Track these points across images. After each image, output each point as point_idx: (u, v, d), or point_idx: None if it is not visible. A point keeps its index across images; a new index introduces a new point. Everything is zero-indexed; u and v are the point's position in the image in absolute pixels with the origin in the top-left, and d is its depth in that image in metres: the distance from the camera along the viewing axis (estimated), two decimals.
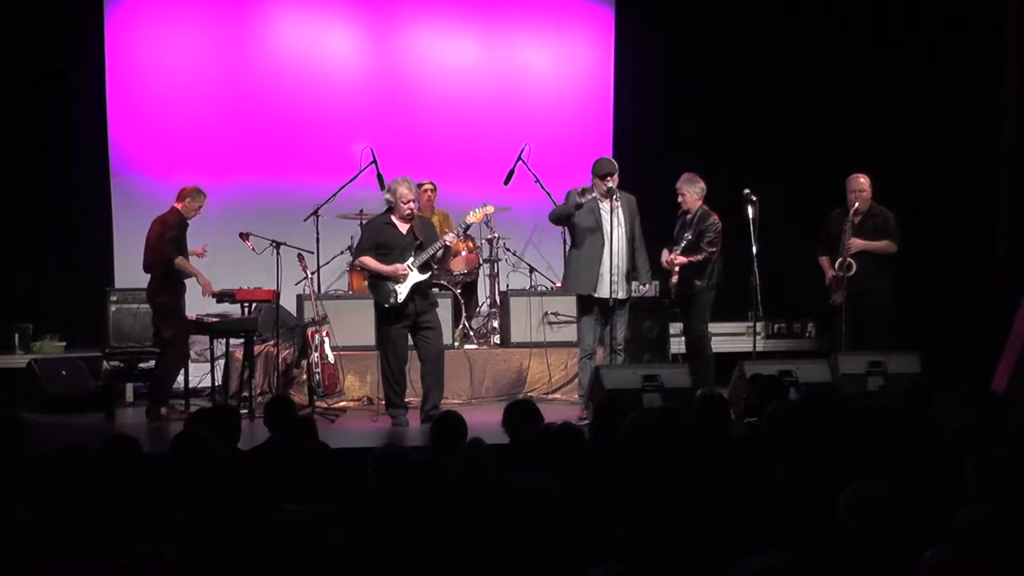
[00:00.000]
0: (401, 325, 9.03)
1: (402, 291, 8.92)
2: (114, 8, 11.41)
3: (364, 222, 10.58)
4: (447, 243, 9.21)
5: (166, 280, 9.39)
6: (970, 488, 4.82)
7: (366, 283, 10.45)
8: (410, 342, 9.14)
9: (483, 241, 11.09)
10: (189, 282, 9.51)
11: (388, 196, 9.10)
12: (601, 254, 9.03)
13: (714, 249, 9.50)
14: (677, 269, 9.46)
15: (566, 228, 9.40)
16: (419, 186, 9.54)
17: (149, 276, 9.49)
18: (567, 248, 9.49)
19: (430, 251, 8.99)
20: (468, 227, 9.99)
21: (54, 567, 3.99)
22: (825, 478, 4.66)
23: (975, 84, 11.05)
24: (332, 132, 11.62)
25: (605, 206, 9.09)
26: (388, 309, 8.98)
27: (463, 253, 10.83)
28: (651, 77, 12.17)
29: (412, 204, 9.01)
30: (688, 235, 9.47)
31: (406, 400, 9.15)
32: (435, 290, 9.52)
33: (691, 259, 9.42)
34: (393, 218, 9.05)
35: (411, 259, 8.95)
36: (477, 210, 9.79)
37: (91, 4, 11.30)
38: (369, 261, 9.03)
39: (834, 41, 11.68)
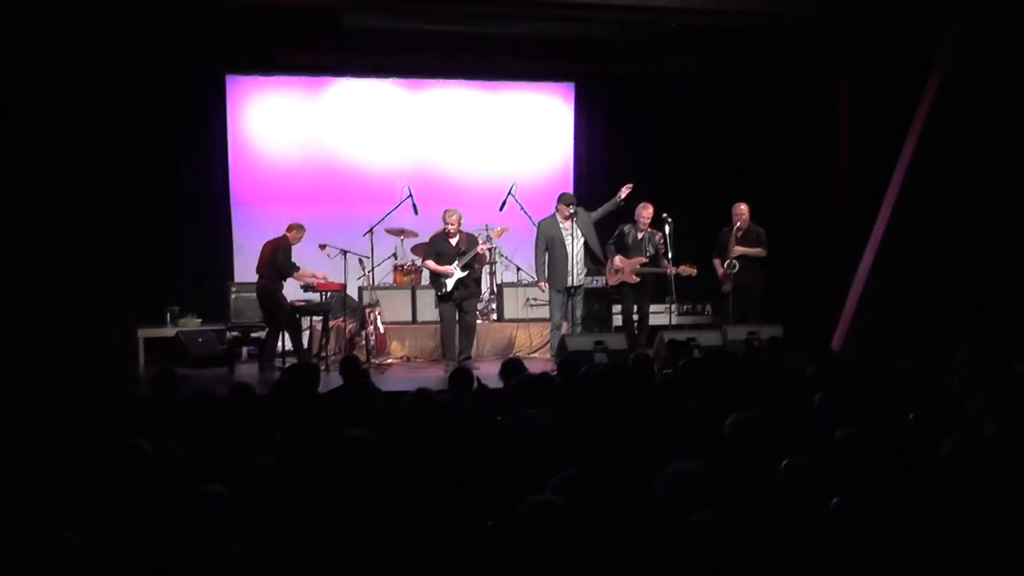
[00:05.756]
0: (449, 305, 9.32)
1: (449, 283, 9.25)
2: (232, 88, 11.38)
3: (403, 238, 10.82)
4: (478, 252, 9.42)
5: (277, 282, 9.50)
6: (817, 415, 4.86)
7: (406, 278, 10.75)
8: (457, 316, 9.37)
9: (485, 248, 11.07)
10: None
11: (443, 219, 9.44)
12: (566, 259, 9.08)
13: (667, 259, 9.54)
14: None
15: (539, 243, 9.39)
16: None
17: (259, 276, 9.55)
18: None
19: (467, 256, 9.24)
20: (492, 240, 10.52)
21: (197, 475, 4.00)
22: (719, 409, 4.68)
23: (821, 149, 11.20)
24: (382, 175, 11.57)
25: (566, 226, 9.15)
26: (441, 295, 9.32)
27: None
28: (601, 135, 12.15)
29: (451, 227, 9.31)
30: (649, 249, 9.49)
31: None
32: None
33: (662, 271, 9.45)
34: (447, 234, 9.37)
35: (456, 263, 9.17)
36: (498, 228, 10.54)
37: (215, 85, 11.28)
38: (430, 263, 9.40)
39: (723, 116, 11.69)
